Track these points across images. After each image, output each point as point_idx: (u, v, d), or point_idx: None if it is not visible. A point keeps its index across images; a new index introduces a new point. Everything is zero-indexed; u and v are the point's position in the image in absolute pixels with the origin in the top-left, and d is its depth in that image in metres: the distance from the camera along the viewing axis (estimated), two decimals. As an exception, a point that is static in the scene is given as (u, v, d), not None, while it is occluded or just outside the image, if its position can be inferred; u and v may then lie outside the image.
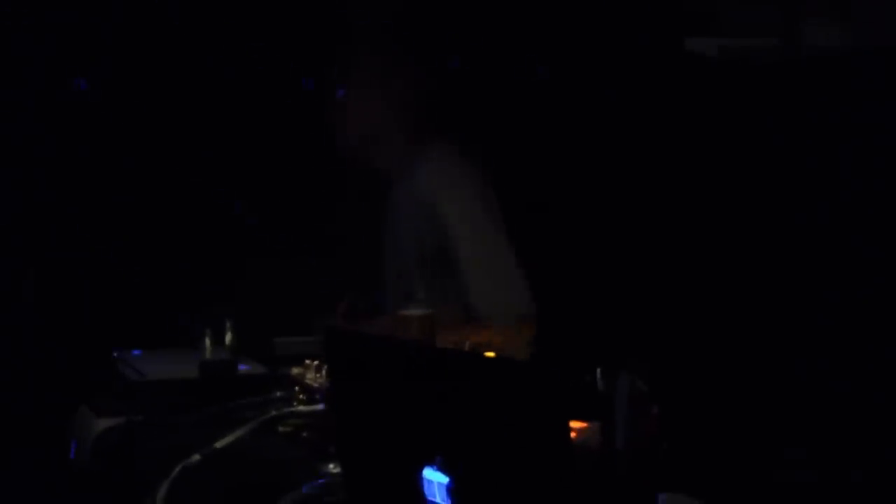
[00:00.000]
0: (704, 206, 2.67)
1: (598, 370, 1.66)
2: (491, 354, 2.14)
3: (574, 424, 1.74)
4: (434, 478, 1.36)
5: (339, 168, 2.86)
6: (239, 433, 2.00)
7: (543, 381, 1.31)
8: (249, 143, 3.24)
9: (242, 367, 2.43)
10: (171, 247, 3.21)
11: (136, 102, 3.21)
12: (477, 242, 2.61)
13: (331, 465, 1.86)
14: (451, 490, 1.35)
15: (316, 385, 2.12)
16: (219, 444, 1.96)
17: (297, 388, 2.16)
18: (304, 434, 2.05)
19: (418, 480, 1.38)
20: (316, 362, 2.17)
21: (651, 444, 1.67)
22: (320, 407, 2.06)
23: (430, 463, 1.36)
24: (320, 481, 1.78)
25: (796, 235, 2.44)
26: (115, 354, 2.60)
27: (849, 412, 2.10)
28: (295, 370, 2.19)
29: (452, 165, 2.69)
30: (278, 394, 2.20)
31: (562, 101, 3.02)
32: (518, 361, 1.39)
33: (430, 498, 1.37)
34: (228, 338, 2.43)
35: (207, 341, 2.41)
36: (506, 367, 1.40)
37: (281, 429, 2.08)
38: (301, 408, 2.11)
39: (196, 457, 1.92)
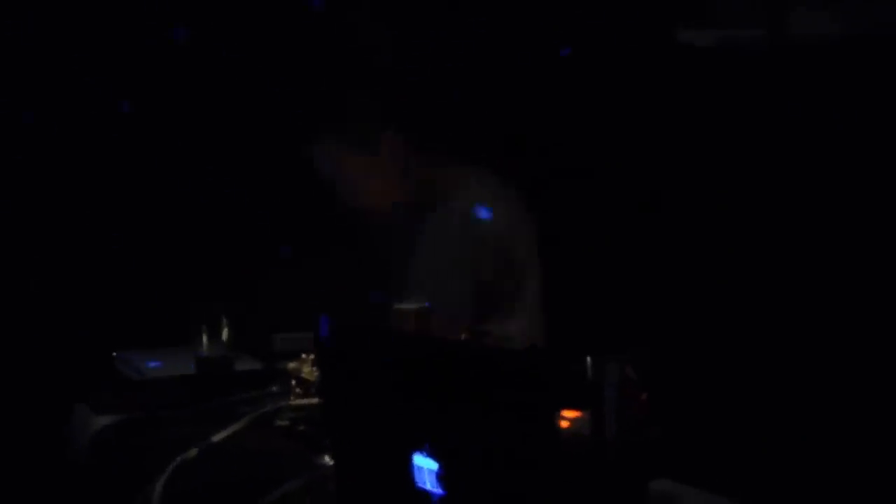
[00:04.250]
0: (699, 198, 2.68)
1: (588, 358, 1.67)
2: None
3: (567, 413, 1.76)
4: (424, 464, 1.38)
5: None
6: (235, 427, 2.01)
7: (531, 369, 1.32)
8: (251, 143, 3.25)
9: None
10: (167, 244, 3.22)
11: (139, 102, 3.23)
12: (527, 274, 2.59)
13: (326, 458, 1.88)
14: (441, 476, 1.36)
15: (311, 379, 2.13)
16: (215, 439, 1.98)
17: (293, 382, 2.17)
18: (301, 427, 2.06)
19: (409, 467, 1.40)
20: (312, 356, 2.18)
21: (641, 431, 1.68)
22: (315, 400, 2.08)
23: (420, 449, 1.38)
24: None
25: (789, 226, 2.45)
26: (114, 353, 2.62)
27: (842, 403, 2.11)
28: (291, 364, 2.21)
29: (506, 194, 2.65)
30: (274, 388, 2.22)
31: (560, 98, 3.03)
32: (506, 350, 1.41)
33: (420, 485, 1.39)
34: (225, 334, 2.44)
35: (204, 338, 2.43)
36: (494, 354, 1.42)
37: (277, 423, 2.09)
38: (296, 402, 2.12)
39: (193, 451, 1.93)
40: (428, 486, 1.38)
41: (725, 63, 2.79)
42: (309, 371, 2.16)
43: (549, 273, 2.60)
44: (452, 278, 2.63)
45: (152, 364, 2.52)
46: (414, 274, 2.70)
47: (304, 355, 2.21)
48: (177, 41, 3.14)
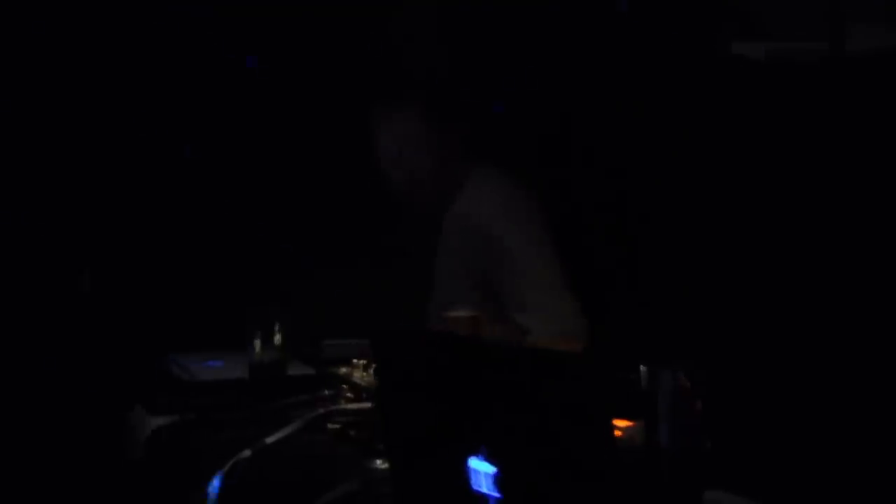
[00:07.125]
0: (749, 209, 2.68)
1: (642, 367, 1.67)
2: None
3: (619, 423, 1.76)
4: (481, 468, 1.39)
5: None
6: (288, 430, 2.03)
7: (588, 374, 1.33)
8: (304, 151, 3.29)
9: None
10: (222, 249, 3.25)
11: (193, 108, 3.27)
12: (530, 263, 2.63)
13: (378, 461, 1.89)
14: (498, 479, 1.37)
15: (363, 384, 2.15)
16: (269, 440, 2.00)
17: (344, 386, 2.19)
18: (352, 432, 2.08)
19: (465, 471, 1.41)
20: (363, 361, 2.20)
21: (695, 441, 1.68)
22: (367, 405, 2.10)
23: (476, 453, 1.39)
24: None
25: (841, 236, 2.44)
26: (169, 356, 2.65)
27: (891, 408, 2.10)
28: (343, 369, 2.23)
29: (503, 187, 2.71)
30: (326, 392, 2.24)
31: (603, 107, 3.03)
32: (563, 353, 1.41)
33: (476, 488, 1.40)
34: (278, 339, 2.47)
35: (257, 342, 2.45)
36: (551, 358, 1.43)
37: (329, 426, 2.11)
38: (349, 406, 2.14)
39: (247, 452, 1.96)
40: (484, 490, 1.39)
41: (778, 76, 2.78)
42: (361, 376, 2.18)
43: (577, 269, 2.63)
44: (455, 277, 2.69)
45: (207, 367, 2.55)
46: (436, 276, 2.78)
47: (355, 361, 2.23)
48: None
